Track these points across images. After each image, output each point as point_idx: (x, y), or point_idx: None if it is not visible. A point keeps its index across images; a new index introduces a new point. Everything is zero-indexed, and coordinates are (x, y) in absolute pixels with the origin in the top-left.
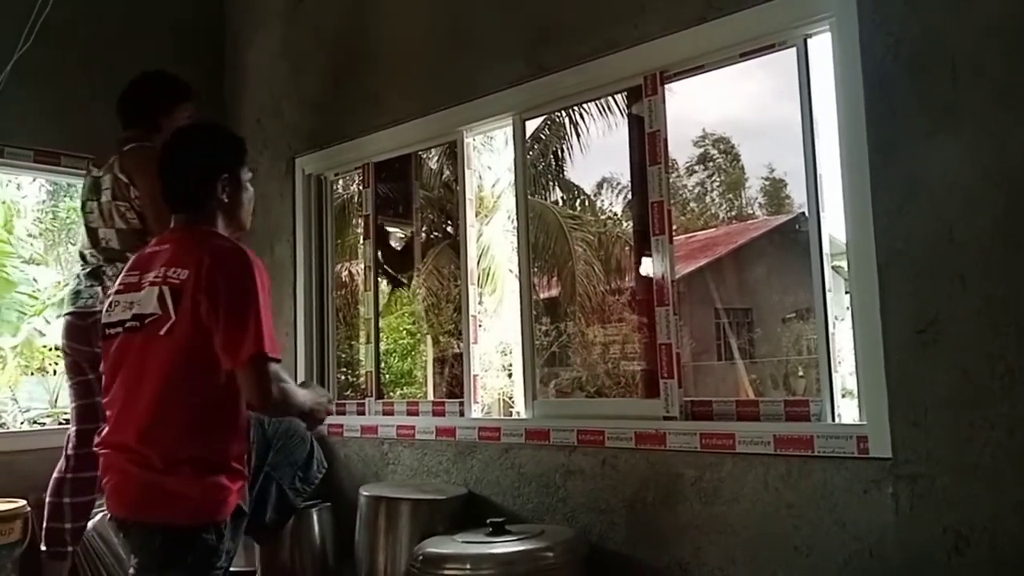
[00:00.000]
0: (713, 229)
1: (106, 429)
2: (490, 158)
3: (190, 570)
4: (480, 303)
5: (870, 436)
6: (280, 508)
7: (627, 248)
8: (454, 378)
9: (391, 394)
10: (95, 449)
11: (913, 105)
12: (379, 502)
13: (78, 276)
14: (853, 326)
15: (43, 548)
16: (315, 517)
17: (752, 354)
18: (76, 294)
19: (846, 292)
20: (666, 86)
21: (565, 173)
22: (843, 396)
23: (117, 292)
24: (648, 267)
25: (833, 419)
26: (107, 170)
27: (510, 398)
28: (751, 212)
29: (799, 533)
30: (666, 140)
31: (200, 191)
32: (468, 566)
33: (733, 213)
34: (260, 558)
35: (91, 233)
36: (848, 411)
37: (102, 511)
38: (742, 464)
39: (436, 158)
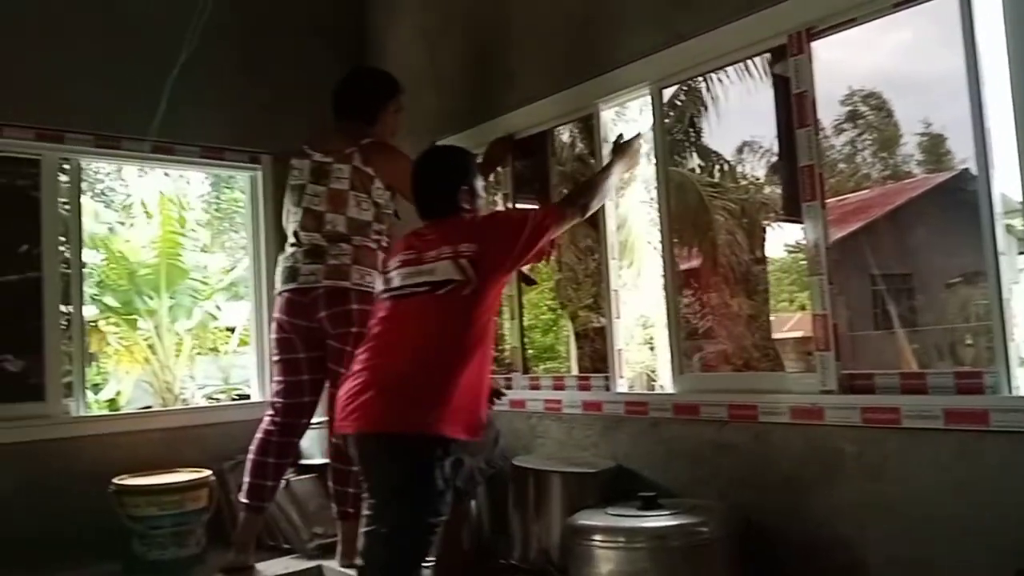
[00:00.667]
0: (866, 191)
1: (374, 364)
2: (623, 128)
3: (425, 508)
4: (619, 277)
5: None
6: (468, 480)
7: (772, 215)
8: (595, 352)
9: (535, 368)
10: (349, 385)
11: None
12: (530, 474)
13: (293, 255)
14: None
15: (244, 500)
16: None
17: (914, 322)
18: (294, 271)
19: (1020, 253)
20: (812, 44)
21: (703, 139)
22: (1021, 366)
23: (398, 267)
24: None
25: (1010, 391)
26: (342, 159)
27: (653, 372)
28: (907, 171)
29: (973, 514)
30: (814, 101)
31: (446, 201)
32: (621, 539)
33: (887, 172)
34: None
35: (314, 216)
36: None
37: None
38: (908, 440)
39: (567, 131)
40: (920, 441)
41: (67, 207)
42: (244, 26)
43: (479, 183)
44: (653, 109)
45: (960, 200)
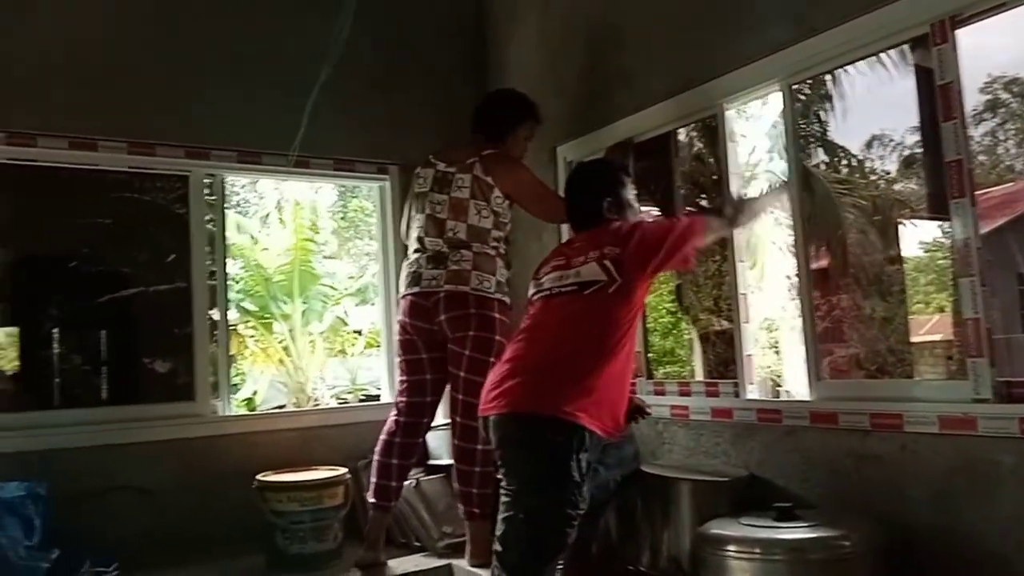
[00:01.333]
0: (1011, 183)
1: (523, 355)
2: (743, 126)
3: (561, 497)
4: (746, 279)
5: None
6: (603, 490)
7: (908, 211)
8: (717, 356)
9: (656, 372)
10: (496, 375)
11: None
12: (660, 481)
13: (417, 260)
14: None
15: (372, 500)
16: None
17: None
18: (417, 275)
19: None
20: (956, 32)
21: (828, 134)
22: None
23: (549, 272)
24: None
25: None
26: (464, 169)
27: (778, 377)
28: None
29: None
30: (960, 92)
31: (592, 212)
32: (757, 550)
33: None
34: None
35: (437, 223)
36: None
37: (408, 480)
38: None
39: (683, 132)
40: None
41: (212, 220)
42: (374, 44)
43: (627, 193)
44: (784, 106)
45: None
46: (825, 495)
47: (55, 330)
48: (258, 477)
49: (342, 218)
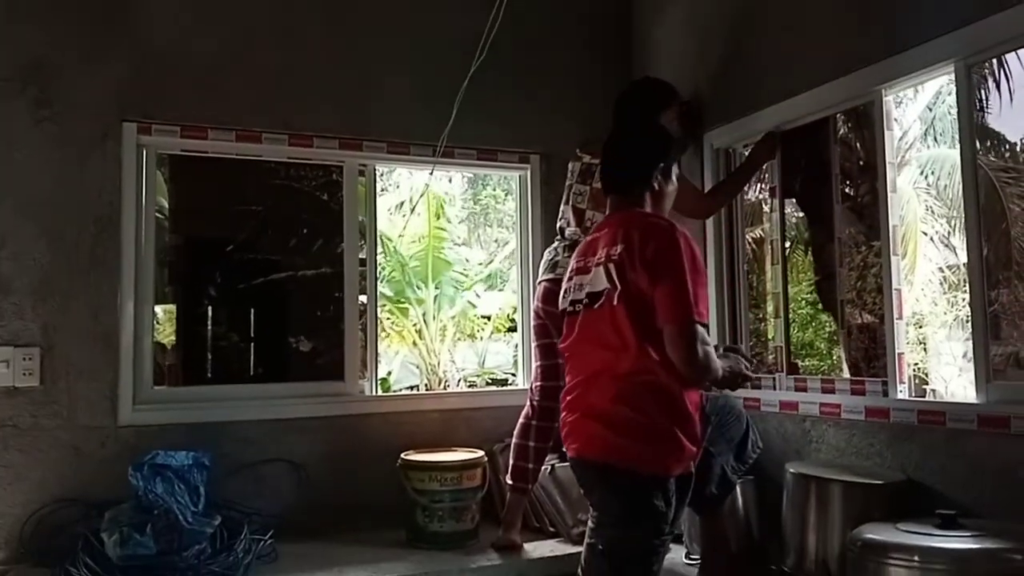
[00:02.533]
0: None
1: (570, 394)
2: (895, 110)
3: (643, 531)
4: (903, 272)
5: None
6: (720, 484)
7: None
8: (858, 350)
9: (798, 365)
10: (561, 407)
11: None
12: (809, 481)
13: (555, 249)
14: None
15: (509, 481)
16: (739, 491)
17: None
18: (555, 264)
19: None
20: None
21: (988, 120)
22: None
23: (570, 277)
24: None
25: None
26: None
27: (925, 374)
28: None
29: None
30: None
31: (637, 177)
32: (916, 558)
33: None
34: (700, 527)
35: (578, 213)
36: None
37: (544, 466)
38: None
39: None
40: None
41: (362, 209)
42: (517, 30)
43: (676, 168)
44: (959, 90)
45: None
46: (992, 505)
47: (211, 309)
48: (402, 456)
49: (474, 204)
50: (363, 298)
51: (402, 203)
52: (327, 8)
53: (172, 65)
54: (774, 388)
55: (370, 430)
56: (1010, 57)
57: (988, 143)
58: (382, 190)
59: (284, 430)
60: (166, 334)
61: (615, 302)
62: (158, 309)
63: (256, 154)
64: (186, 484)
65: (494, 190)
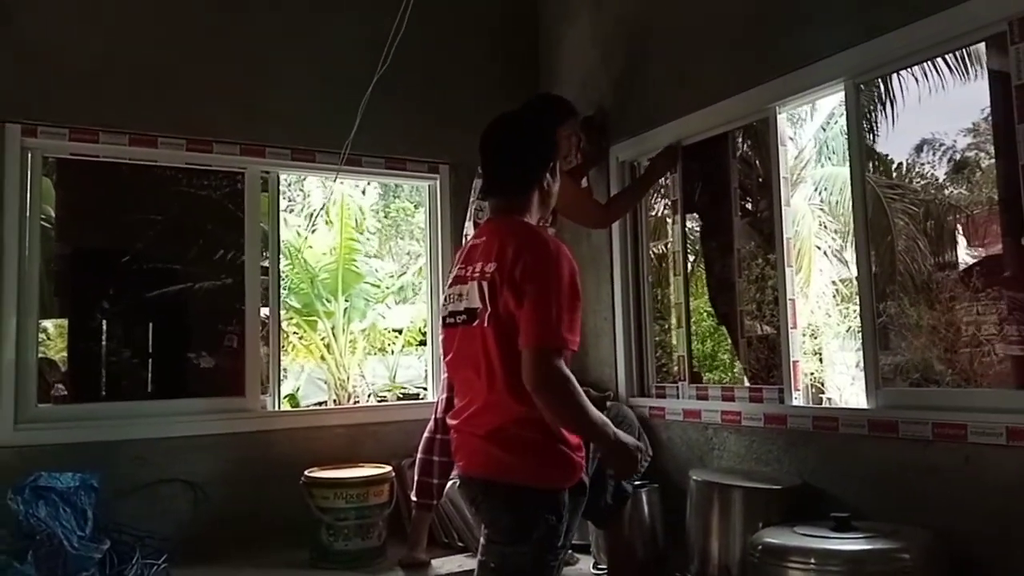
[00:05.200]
0: None
1: (456, 412)
2: (791, 129)
3: (534, 546)
4: (794, 284)
5: None
6: (615, 494)
7: (959, 217)
8: (757, 360)
9: (702, 377)
10: (449, 421)
11: None
12: (711, 487)
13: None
14: None
15: (414, 498)
16: (644, 498)
17: None
18: None
19: None
20: None
21: (876, 141)
22: None
23: (451, 285)
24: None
25: None
26: None
27: (820, 383)
28: None
29: None
30: None
31: (528, 178)
32: (812, 561)
33: None
34: (604, 537)
35: (478, 228)
36: None
37: (453, 479)
38: None
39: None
40: None
41: (265, 217)
42: (427, 41)
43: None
44: (847, 107)
45: None
46: (883, 506)
47: (104, 323)
48: (305, 473)
49: (384, 217)
50: (266, 310)
51: (312, 213)
52: (229, 9)
53: (59, 64)
54: (677, 397)
55: (272, 447)
56: (895, 83)
57: (876, 162)
58: (291, 199)
59: (181, 448)
60: (56, 349)
61: (485, 324)
62: (47, 323)
63: (151, 159)
64: (72, 507)
65: (403, 201)
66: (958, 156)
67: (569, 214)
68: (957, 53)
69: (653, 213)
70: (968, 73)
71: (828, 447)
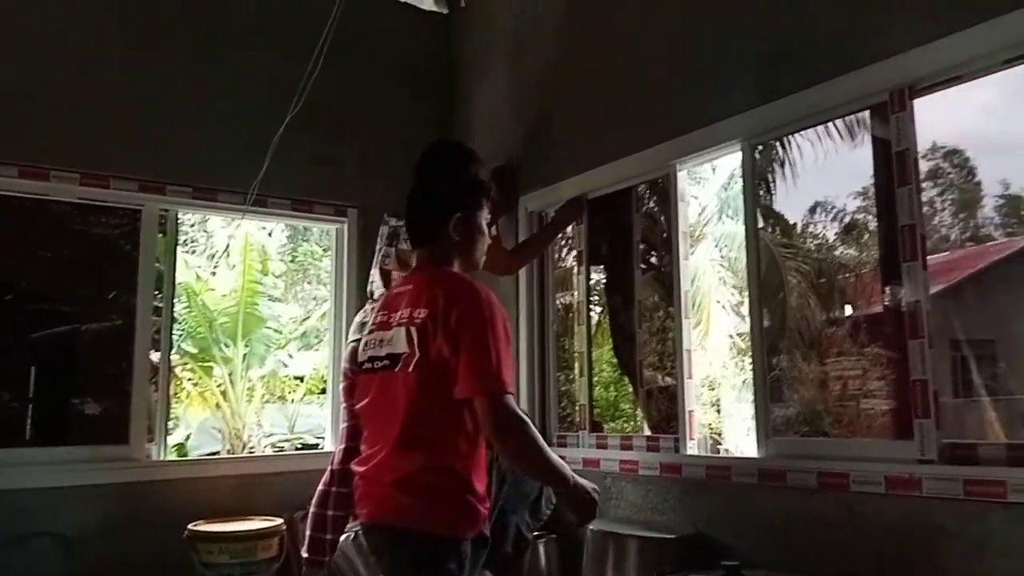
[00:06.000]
0: (947, 252)
1: (365, 459)
2: (695, 187)
3: (415, 567)
4: (692, 338)
5: None
6: (516, 542)
7: (848, 276)
8: (659, 411)
9: (604, 427)
10: (355, 472)
11: None
12: (607, 537)
13: (366, 310)
14: None
15: (305, 555)
16: (542, 549)
17: (996, 391)
18: (363, 324)
19: None
20: (914, 101)
21: (773, 200)
22: None
23: (371, 331)
24: (895, 296)
25: None
26: None
27: (718, 434)
28: (987, 234)
29: None
30: (916, 160)
31: (435, 228)
32: None
33: (967, 234)
34: None
35: (385, 275)
36: None
37: (347, 533)
38: (1018, 515)
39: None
40: None
41: (161, 258)
42: (340, 84)
43: (482, 216)
44: (744, 167)
45: None
46: (772, 554)
47: None
48: (189, 527)
49: (291, 261)
50: (157, 355)
51: (214, 254)
52: (134, 40)
53: None
54: (578, 446)
55: (156, 498)
56: (793, 147)
57: (773, 221)
58: (193, 240)
59: (60, 499)
60: None
61: (409, 369)
62: None
63: (42, 192)
64: None
65: (312, 245)
66: (848, 218)
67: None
68: (847, 120)
69: (561, 264)
70: (855, 140)
71: (721, 496)
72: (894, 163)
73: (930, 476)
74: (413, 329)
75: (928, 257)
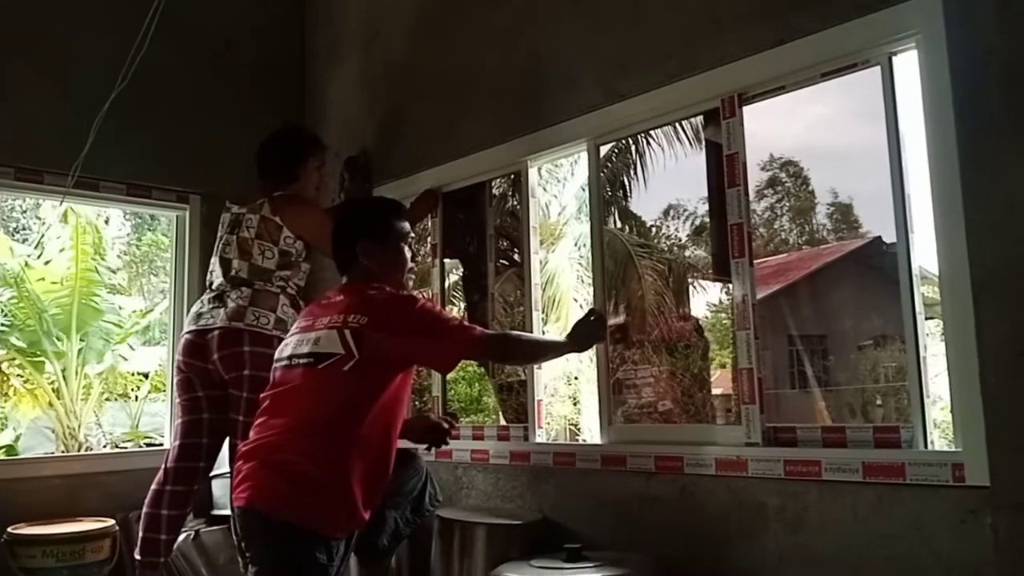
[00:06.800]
0: (785, 255)
1: (253, 442)
2: (555, 187)
3: (285, 558)
4: (544, 331)
5: (967, 463)
6: (392, 536)
7: (696, 274)
8: (520, 405)
9: (462, 419)
10: (239, 455)
11: (1008, 120)
12: (454, 526)
13: (202, 300)
14: (947, 350)
15: (138, 557)
16: None
17: (827, 382)
18: (199, 315)
19: (927, 318)
20: (743, 108)
21: (630, 202)
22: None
23: (295, 333)
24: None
25: (925, 446)
26: (253, 210)
27: (575, 425)
28: (821, 237)
29: (891, 565)
30: (745, 163)
31: (348, 258)
32: None
33: (804, 238)
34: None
35: (224, 263)
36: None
37: (187, 532)
38: (829, 492)
39: (498, 186)
40: (840, 493)
41: None
42: (183, 66)
43: (395, 238)
44: (589, 165)
45: (872, 266)
46: (613, 536)
47: None
48: (8, 530)
49: (136, 250)
50: None
51: (40, 238)
52: None
53: None
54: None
55: None
56: (645, 149)
57: (630, 222)
58: (25, 227)
59: None
60: None
61: (344, 368)
62: None
63: None
64: None
65: (158, 235)
66: (697, 221)
67: (328, 252)
68: (693, 125)
69: (419, 258)
70: (703, 145)
71: (567, 482)
72: (724, 166)
73: (755, 458)
74: (348, 332)
75: (768, 259)
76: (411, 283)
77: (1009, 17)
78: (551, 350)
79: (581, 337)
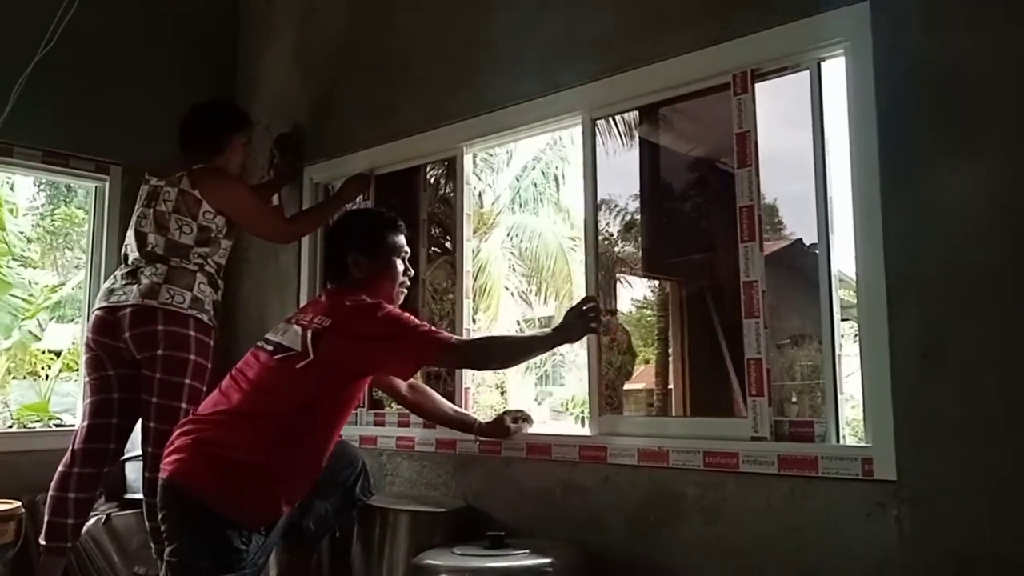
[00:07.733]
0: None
1: (196, 417)
2: (490, 176)
3: (214, 564)
4: (474, 320)
5: (875, 458)
6: (320, 522)
7: (624, 269)
8: (447, 393)
9: (390, 406)
10: (178, 428)
11: (928, 130)
12: (377, 513)
13: (115, 276)
14: (860, 350)
15: (43, 542)
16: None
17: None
18: (110, 291)
19: (843, 319)
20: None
21: (561, 195)
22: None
23: (285, 320)
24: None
25: (838, 440)
26: (172, 183)
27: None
28: None
29: (803, 555)
30: (756, 141)
31: (338, 267)
32: None
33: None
34: (283, 562)
35: (140, 237)
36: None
37: (97, 515)
38: (746, 484)
39: (431, 173)
40: (756, 484)
41: None
42: (109, 30)
43: (389, 251)
44: (542, 163)
45: (792, 267)
46: (536, 524)
47: None
48: None
49: (50, 222)
50: None
51: None
52: None
53: None
54: (356, 423)
55: None
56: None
57: (563, 215)
58: None
59: None
60: None
61: (297, 366)
62: None
63: None
64: None
65: (74, 208)
66: (628, 217)
67: (256, 230)
68: (624, 121)
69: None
70: (632, 143)
71: (491, 470)
72: (735, 144)
73: (676, 449)
74: (310, 333)
75: (698, 255)
76: (402, 298)
77: (935, 30)
78: (536, 347)
79: (572, 328)
